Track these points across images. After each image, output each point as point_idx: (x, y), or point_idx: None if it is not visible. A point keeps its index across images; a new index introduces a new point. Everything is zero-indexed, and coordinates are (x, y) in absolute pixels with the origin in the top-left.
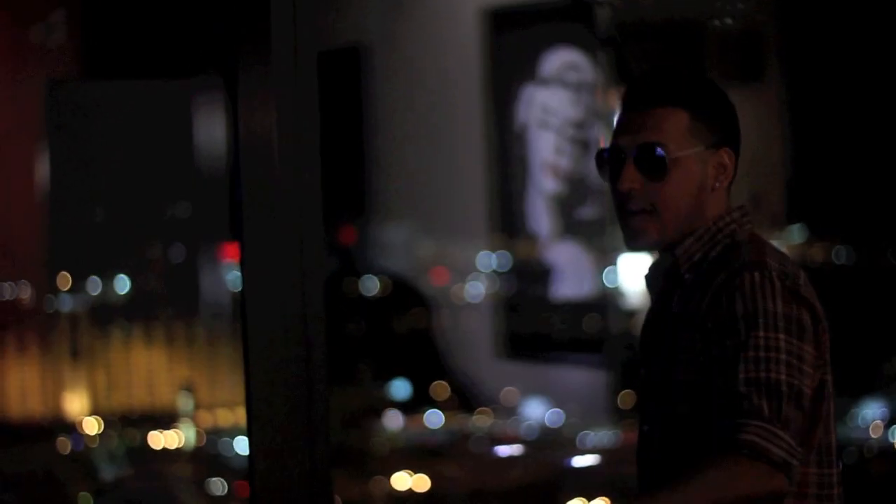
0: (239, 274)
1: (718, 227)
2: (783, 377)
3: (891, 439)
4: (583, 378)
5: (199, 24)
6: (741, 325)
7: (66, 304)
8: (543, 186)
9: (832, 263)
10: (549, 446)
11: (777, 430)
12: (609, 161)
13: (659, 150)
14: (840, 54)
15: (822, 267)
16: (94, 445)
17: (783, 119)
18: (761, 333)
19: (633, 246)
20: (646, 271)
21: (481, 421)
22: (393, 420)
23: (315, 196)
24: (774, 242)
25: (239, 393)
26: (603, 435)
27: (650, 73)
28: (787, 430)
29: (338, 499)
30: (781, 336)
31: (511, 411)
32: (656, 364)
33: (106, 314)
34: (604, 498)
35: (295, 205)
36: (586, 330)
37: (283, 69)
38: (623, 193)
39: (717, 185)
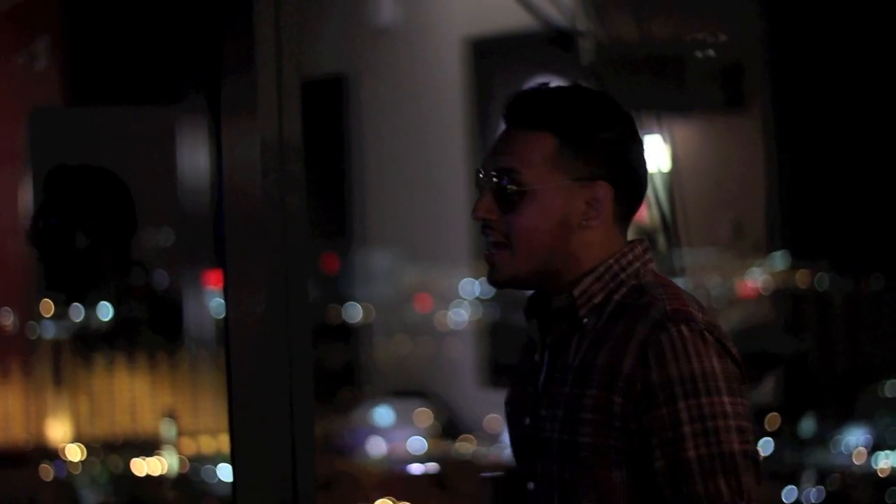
0: (222, 301)
1: (621, 265)
2: (736, 447)
3: (874, 466)
4: None
5: (183, 50)
6: (678, 390)
7: (49, 331)
8: None
9: (815, 290)
10: None
11: None
12: (477, 186)
13: (507, 179)
14: (822, 81)
15: (805, 293)
16: (77, 472)
17: (766, 146)
18: (704, 400)
19: (489, 280)
20: (525, 305)
21: (464, 448)
22: (376, 446)
23: (299, 223)
24: (757, 269)
25: (222, 420)
26: None
27: (520, 92)
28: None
29: None
30: (726, 399)
31: (494, 438)
32: (549, 418)
33: (89, 341)
34: None
35: (279, 231)
36: None
37: (268, 96)
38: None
39: (587, 222)
